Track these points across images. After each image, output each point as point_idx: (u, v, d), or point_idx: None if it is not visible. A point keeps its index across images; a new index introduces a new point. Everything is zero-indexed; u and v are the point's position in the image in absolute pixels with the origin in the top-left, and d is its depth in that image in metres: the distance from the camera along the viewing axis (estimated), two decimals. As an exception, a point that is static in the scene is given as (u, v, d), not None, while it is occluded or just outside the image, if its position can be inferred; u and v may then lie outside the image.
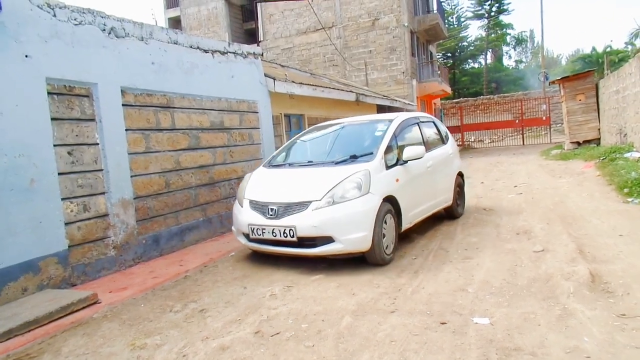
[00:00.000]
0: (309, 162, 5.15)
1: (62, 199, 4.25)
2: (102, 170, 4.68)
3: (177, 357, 2.86)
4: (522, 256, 4.50)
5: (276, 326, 3.22)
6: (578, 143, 14.60)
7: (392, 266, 4.46)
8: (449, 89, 23.26)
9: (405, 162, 4.96)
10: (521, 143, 21.84)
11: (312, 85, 8.98)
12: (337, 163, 4.77)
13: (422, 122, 6.13)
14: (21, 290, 3.86)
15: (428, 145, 5.82)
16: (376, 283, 4.00)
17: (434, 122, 6.63)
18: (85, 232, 4.49)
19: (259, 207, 4.57)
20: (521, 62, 55.21)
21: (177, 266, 4.88)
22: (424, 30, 20.31)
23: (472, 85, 41.60)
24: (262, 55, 7.77)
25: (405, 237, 5.31)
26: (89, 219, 4.53)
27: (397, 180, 4.77)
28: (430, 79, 19.95)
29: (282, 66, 12.75)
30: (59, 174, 4.22)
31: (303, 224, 4.20)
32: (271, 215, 4.40)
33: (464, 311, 3.28)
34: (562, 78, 15.60)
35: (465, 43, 44.46)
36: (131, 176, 5.00)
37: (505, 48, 49.16)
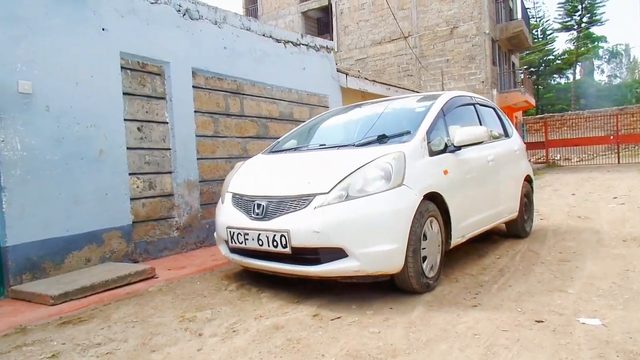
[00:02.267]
0: (321, 145, 3.80)
1: (129, 174, 4.24)
2: (169, 149, 4.65)
3: (227, 332, 2.58)
4: (634, 262, 3.76)
5: (337, 310, 2.85)
6: (689, 158, 12.77)
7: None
8: (532, 101, 21.70)
9: (458, 148, 3.60)
10: (616, 161, 19.71)
11: (385, 84, 8.63)
12: (359, 145, 3.41)
13: (480, 104, 4.60)
14: (84, 260, 3.84)
15: (488, 134, 4.31)
16: (454, 277, 3.49)
17: (494, 109, 5.03)
18: (150, 210, 4.43)
19: (243, 202, 3.29)
20: (615, 77, 50.75)
21: (238, 252, 4.69)
22: (506, 39, 19.22)
23: (557, 102, 38.83)
24: (334, 49, 7.57)
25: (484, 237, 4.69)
26: (154, 196, 4.48)
27: (445, 172, 3.39)
28: (512, 90, 18.73)
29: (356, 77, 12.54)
30: (128, 148, 4.22)
31: (300, 227, 2.84)
32: (257, 214, 3.09)
33: (566, 311, 2.69)
34: (669, 85, 13.84)
35: (551, 57, 41.72)
36: (198, 158, 4.93)
37: (597, 62, 45.56)
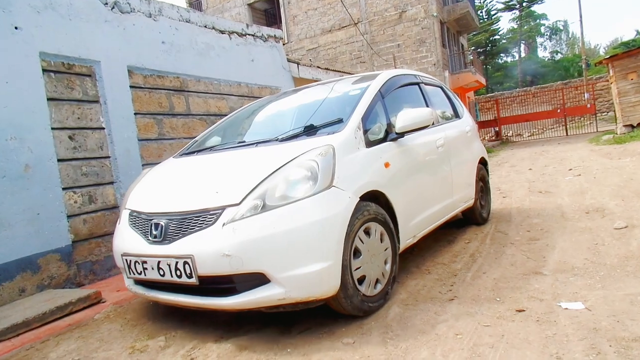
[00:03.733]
0: (240, 142, 3.19)
1: (64, 189, 3.79)
2: (109, 157, 4.21)
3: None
4: (601, 234, 3.72)
5: (306, 319, 2.59)
6: (632, 126, 13.35)
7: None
8: (483, 80, 22.17)
9: (401, 135, 3.06)
10: (564, 134, 20.47)
11: (338, 71, 8.40)
12: (283, 140, 2.82)
13: (425, 83, 4.08)
14: (18, 291, 3.39)
15: (436, 117, 3.90)
16: (425, 268, 3.32)
17: (442, 88, 4.53)
18: (92, 226, 4.01)
19: (140, 222, 2.63)
20: (557, 52, 52.84)
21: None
22: (454, 20, 19.43)
23: (505, 80, 40.06)
24: (283, 39, 7.25)
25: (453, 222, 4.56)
26: (95, 211, 4.05)
27: (386, 165, 2.85)
28: (464, 70, 19.00)
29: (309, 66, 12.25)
30: (59, 160, 3.77)
31: (206, 251, 2.23)
32: (155, 236, 2.45)
33: (545, 296, 2.56)
34: (610, 57, 14.40)
35: (497, 36, 42.90)
36: (143, 165, 4.51)
37: (539, 40, 47.28)
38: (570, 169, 8.19)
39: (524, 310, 2.39)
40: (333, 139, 2.61)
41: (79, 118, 3.99)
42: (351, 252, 2.42)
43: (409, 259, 3.60)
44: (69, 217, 3.80)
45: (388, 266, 2.73)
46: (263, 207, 2.26)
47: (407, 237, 3.05)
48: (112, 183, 4.22)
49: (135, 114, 4.50)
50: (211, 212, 2.33)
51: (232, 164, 2.78)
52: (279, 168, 2.40)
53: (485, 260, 3.40)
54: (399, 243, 2.90)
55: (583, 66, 25.41)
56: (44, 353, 2.58)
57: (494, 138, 21.01)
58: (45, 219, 3.60)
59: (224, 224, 2.25)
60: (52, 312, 3.00)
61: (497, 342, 2.06)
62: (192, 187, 2.67)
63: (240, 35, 6.10)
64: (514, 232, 4.17)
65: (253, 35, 6.34)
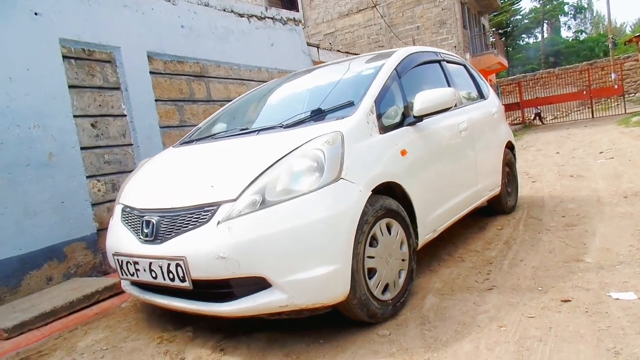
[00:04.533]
0: (242, 130, 2.91)
1: (87, 177, 3.76)
2: (131, 145, 4.17)
3: (213, 353, 2.21)
4: (644, 219, 3.52)
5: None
6: (664, 106, 12.81)
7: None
8: (505, 62, 21.54)
9: (420, 119, 2.77)
10: (590, 116, 19.81)
11: (358, 54, 8.19)
12: (287, 126, 2.57)
13: (447, 61, 3.75)
14: (45, 279, 3.39)
15: (459, 98, 3.59)
16: (458, 256, 3.19)
17: (465, 66, 4.20)
18: (116, 214, 3.98)
19: (133, 219, 2.44)
20: (582, 32, 51.09)
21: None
22: (474, 0, 18.87)
23: (527, 62, 38.96)
24: (302, 22, 7.08)
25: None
26: (119, 199, 4.02)
27: (403, 152, 2.57)
28: (485, 52, 18.48)
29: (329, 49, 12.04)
30: (82, 148, 3.73)
31: (199, 252, 2.02)
32: (146, 235, 2.25)
33: (591, 285, 2.41)
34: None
35: (518, 16, 41.62)
36: (165, 152, 4.46)
37: (563, 19, 45.71)
38: (601, 152, 7.88)
39: (569, 301, 2.25)
40: (342, 125, 2.33)
41: (100, 105, 3.94)
42: (364, 252, 2.15)
43: (440, 246, 3.48)
44: (93, 205, 3.78)
45: (404, 270, 2.44)
46: (262, 202, 2.01)
47: (427, 232, 2.78)
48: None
49: (156, 100, 4.43)
50: (205, 209, 2.10)
51: (230, 154, 2.54)
52: (280, 158, 2.15)
53: (521, 248, 3.25)
54: (417, 239, 2.63)
55: (609, 46, 24.49)
56: (73, 342, 2.55)
57: (516, 122, 20.51)
58: (70, 207, 3.57)
59: (218, 222, 2.02)
60: (79, 300, 2.98)
61: (545, 335, 1.93)
62: (186, 181, 2.45)
63: (260, 18, 5.96)
64: (548, 218, 4.00)
65: (272, 19, 6.20)
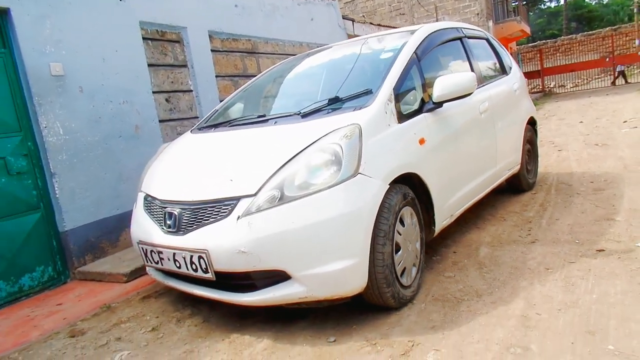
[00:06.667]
0: (260, 117, 2.85)
1: (165, 147, 4.24)
2: (197, 117, 4.62)
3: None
4: (669, 184, 3.90)
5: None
6: (689, 74, 12.77)
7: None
8: (528, 29, 21.27)
9: (439, 105, 2.72)
10: (612, 84, 19.66)
11: (389, 27, 8.43)
12: (305, 115, 2.52)
13: (469, 37, 3.65)
14: (136, 235, 3.92)
15: (480, 77, 3.48)
16: (500, 216, 3.63)
17: (488, 40, 4.08)
18: (188, 180, 4.47)
19: (155, 209, 2.51)
20: (605, -4, 49.41)
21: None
22: (497, -34, 18.54)
23: (548, 27, 38.09)
24: (338, -4, 7.34)
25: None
26: (190, 166, 4.50)
27: (421, 141, 2.54)
28: (508, 19, 18.31)
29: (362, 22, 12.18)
30: (160, 121, 4.19)
31: (221, 245, 2.09)
32: (169, 226, 2.32)
33: (622, 238, 2.84)
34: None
35: (539, -20, 40.51)
36: (225, 124, 4.91)
37: (586, -18, 44.18)
38: (625, 121, 8.12)
39: (604, 250, 2.68)
40: (360, 117, 2.29)
41: (172, 82, 4.37)
42: (393, 244, 2.22)
43: (481, 208, 3.90)
44: (170, 172, 4.26)
45: (419, 253, 2.51)
46: (281, 198, 2.05)
47: (444, 218, 2.77)
48: (201, 141, 4.64)
49: (216, 76, 4.84)
50: (225, 203, 2.14)
51: (248, 146, 2.51)
52: (299, 153, 2.16)
53: (556, 209, 3.67)
54: (434, 226, 2.66)
55: (635, 10, 23.89)
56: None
57: (536, 90, 20.45)
58: (153, 173, 4.06)
59: (238, 217, 2.07)
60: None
61: (586, 275, 2.38)
62: (205, 173, 2.47)
63: (301, -6, 6.25)
64: (577, 184, 4.38)
65: (312, -6, 6.48)
